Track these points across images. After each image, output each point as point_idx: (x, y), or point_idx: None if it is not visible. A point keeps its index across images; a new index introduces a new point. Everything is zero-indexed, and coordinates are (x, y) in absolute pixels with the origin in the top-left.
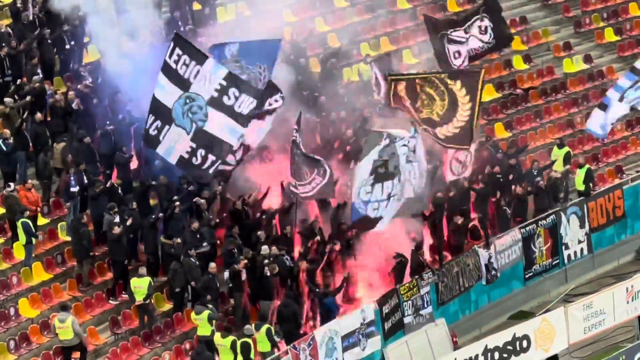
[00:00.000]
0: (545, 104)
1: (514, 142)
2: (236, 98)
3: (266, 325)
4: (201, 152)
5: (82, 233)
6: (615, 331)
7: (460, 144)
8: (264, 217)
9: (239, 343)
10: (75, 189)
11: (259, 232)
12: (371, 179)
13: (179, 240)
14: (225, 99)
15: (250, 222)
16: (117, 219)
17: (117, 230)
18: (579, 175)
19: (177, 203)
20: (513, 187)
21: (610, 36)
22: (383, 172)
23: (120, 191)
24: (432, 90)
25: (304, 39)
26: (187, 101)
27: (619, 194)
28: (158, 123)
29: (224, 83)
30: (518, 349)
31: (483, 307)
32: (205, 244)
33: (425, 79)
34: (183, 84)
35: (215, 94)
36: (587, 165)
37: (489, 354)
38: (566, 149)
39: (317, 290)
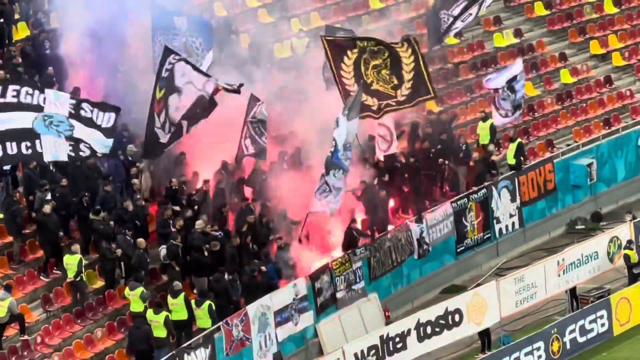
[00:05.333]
0: (475, 78)
1: (445, 116)
2: (91, 111)
3: (208, 302)
4: (83, 145)
5: (14, 211)
6: (546, 304)
7: (425, 94)
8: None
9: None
10: (7, 167)
11: (195, 207)
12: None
13: (104, 214)
14: (82, 112)
15: (185, 199)
16: (48, 197)
17: (47, 208)
18: (510, 149)
19: (107, 181)
20: (442, 160)
21: (540, 10)
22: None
23: (52, 168)
24: (377, 60)
25: (234, 14)
26: (45, 118)
27: (550, 168)
28: (27, 143)
29: (73, 102)
30: (450, 323)
31: (415, 282)
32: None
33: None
34: (33, 108)
35: (73, 111)
36: (519, 139)
37: (422, 328)
38: (490, 121)
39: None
